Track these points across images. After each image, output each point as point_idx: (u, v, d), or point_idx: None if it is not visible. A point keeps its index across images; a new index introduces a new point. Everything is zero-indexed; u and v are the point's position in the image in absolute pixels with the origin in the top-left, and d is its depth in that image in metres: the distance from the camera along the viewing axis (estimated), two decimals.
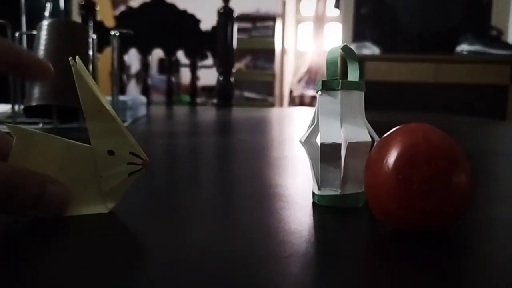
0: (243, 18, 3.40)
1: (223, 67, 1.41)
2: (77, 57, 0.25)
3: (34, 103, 0.59)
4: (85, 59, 0.64)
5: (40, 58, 0.25)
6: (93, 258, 0.20)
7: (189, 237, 0.23)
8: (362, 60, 2.57)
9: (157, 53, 1.72)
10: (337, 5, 3.26)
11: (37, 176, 0.24)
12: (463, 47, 2.59)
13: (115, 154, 0.25)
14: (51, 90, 0.60)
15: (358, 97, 0.30)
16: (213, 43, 1.41)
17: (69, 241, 0.22)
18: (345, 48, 0.30)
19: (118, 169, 0.25)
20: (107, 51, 1.18)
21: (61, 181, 0.25)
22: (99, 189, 0.26)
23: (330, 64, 0.30)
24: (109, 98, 0.76)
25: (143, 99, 1.01)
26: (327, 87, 0.29)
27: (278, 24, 3.54)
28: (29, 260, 0.19)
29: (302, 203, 0.30)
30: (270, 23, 3.54)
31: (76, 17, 1.31)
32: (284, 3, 3.62)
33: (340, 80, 0.29)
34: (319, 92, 0.30)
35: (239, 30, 2.23)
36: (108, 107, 0.25)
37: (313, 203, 0.30)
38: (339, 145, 0.28)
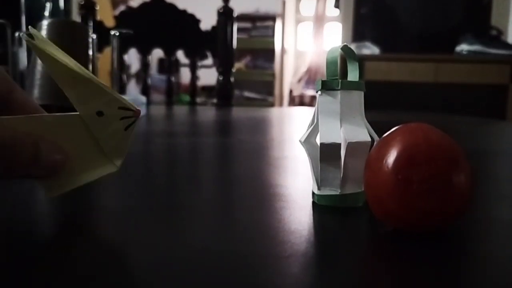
0: (243, 18, 3.40)
1: (223, 67, 1.41)
2: (29, 27, 0.24)
3: None
4: (85, 59, 0.64)
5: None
6: (92, 258, 0.20)
7: (189, 237, 0.23)
8: (362, 60, 2.57)
9: (157, 53, 1.72)
10: (337, 5, 3.26)
11: (28, 135, 0.24)
12: (463, 47, 2.59)
13: (105, 114, 0.25)
14: (51, 90, 0.60)
15: (358, 97, 0.30)
16: (213, 43, 1.41)
17: (69, 241, 0.22)
18: (345, 48, 0.30)
19: (113, 127, 0.25)
20: (107, 51, 1.18)
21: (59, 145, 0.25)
22: (102, 152, 0.25)
23: (330, 64, 0.30)
24: None
25: (143, 99, 1.01)
26: (327, 87, 0.29)
27: (278, 24, 3.54)
28: (31, 260, 0.19)
29: (302, 203, 0.30)
30: (270, 23, 3.54)
31: (76, 17, 1.31)
32: (284, 3, 3.62)
33: (340, 80, 0.29)
34: (319, 92, 0.30)
35: (239, 30, 2.23)
36: (81, 70, 0.24)
37: (313, 203, 0.30)
38: (339, 145, 0.28)
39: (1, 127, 0.23)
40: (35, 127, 0.24)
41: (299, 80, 3.75)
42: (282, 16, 3.61)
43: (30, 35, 0.24)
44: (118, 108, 0.25)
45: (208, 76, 3.10)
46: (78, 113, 0.25)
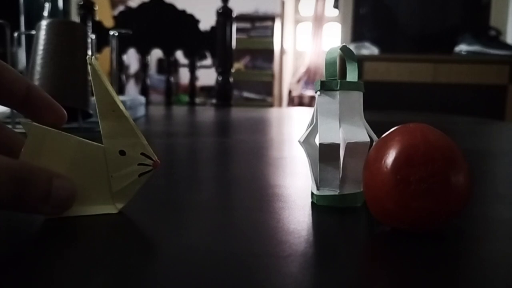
0: (242, 18, 3.40)
1: (222, 67, 1.41)
2: (92, 56, 0.25)
3: None
4: (84, 59, 0.64)
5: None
6: (92, 258, 0.20)
7: (188, 237, 0.23)
8: (361, 60, 2.57)
9: (156, 53, 1.73)
10: (336, 5, 3.26)
11: (43, 171, 0.24)
12: (462, 47, 2.60)
13: (127, 155, 0.25)
14: (50, 90, 0.60)
15: (357, 97, 0.30)
16: (212, 43, 1.41)
17: (70, 242, 0.22)
18: (344, 49, 0.31)
19: (129, 170, 0.25)
20: (106, 51, 1.18)
21: (72, 179, 0.25)
22: (109, 189, 0.26)
23: (329, 64, 0.30)
24: None
25: (142, 99, 1.01)
26: (326, 87, 0.29)
27: (277, 24, 3.54)
28: (36, 260, 0.19)
29: (301, 203, 0.30)
30: (269, 23, 3.54)
31: (75, 17, 1.31)
32: (283, 3, 3.62)
33: (339, 81, 0.29)
34: (318, 92, 0.30)
35: (238, 30, 2.23)
36: (122, 107, 0.25)
37: (312, 203, 0.30)
38: (338, 145, 0.28)
39: (21, 160, 0.24)
40: (58, 144, 0.25)
41: (298, 81, 3.75)
42: (281, 16, 3.61)
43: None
44: (141, 153, 0.25)
45: (207, 76, 3.10)
46: (102, 145, 0.25)
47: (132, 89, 3.30)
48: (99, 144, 0.25)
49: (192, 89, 1.51)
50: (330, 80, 0.30)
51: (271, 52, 3.55)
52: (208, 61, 1.50)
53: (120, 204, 0.26)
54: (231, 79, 1.43)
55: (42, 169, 0.24)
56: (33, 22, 0.69)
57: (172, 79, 1.54)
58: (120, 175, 0.25)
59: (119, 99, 0.25)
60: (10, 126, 0.25)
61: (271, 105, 3.62)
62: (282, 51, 3.70)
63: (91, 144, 0.25)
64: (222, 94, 1.43)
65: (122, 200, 0.26)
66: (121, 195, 0.26)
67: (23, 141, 0.25)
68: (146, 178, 0.26)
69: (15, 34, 0.69)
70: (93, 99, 0.26)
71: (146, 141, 0.26)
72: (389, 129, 0.25)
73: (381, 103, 2.51)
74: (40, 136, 0.24)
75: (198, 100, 1.77)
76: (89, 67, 0.24)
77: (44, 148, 0.24)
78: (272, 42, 3.52)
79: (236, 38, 1.46)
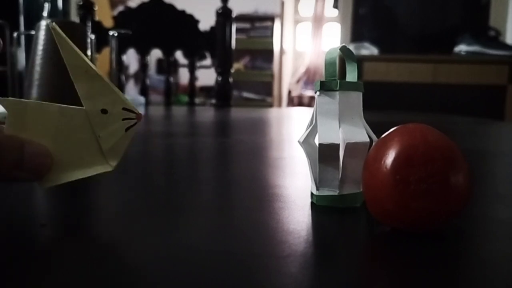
0: (241, 18, 3.40)
1: (222, 67, 1.41)
2: (53, 23, 0.25)
3: None
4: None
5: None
6: (90, 257, 0.20)
7: (187, 237, 0.23)
8: (360, 61, 2.57)
9: (156, 53, 1.73)
10: (335, 5, 3.26)
11: (13, 138, 0.24)
12: (461, 48, 2.60)
13: (109, 112, 0.25)
14: (49, 90, 0.60)
15: (356, 98, 0.30)
16: (211, 43, 1.41)
17: (67, 241, 0.22)
18: (344, 49, 0.31)
19: (115, 126, 0.25)
20: (106, 51, 1.18)
21: (59, 146, 0.25)
22: (100, 149, 0.25)
23: (329, 64, 0.30)
24: None
25: (142, 99, 1.01)
26: (325, 87, 0.29)
27: (277, 25, 3.54)
28: (29, 259, 0.19)
29: (301, 203, 0.30)
30: (268, 23, 3.55)
31: (75, 17, 1.31)
32: (282, 4, 3.62)
33: (339, 81, 0.29)
34: (318, 93, 0.30)
35: (237, 30, 2.23)
36: (93, 66, 0.25)
37: (312, 203, 0.30)
38: (337, 145, 0.28)
39: None
40: (40, 115, 0.25)
41: (298, 81, 3.75)
42: (281, 16, 3.61)
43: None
44: (122, 108, 0.25)
45: (207, 76, 3.10)
46: (83, 107, 0.25)
47: (131, 89, 3.30)
48: (80, 107, 0.25)
49: (191, 89, 1.51)
50: (330, 80, 0.30)
51: (270, 52, 3.55)
52: (208, 61, 1.50)
53: (114, 161, 0.26)
54: (230, 79, 1.43)
55: (12, 136, 0.24)
56: (32, 22, 0.69)
57: (171, 79, 1.54)
58: (107, 133, 0.25)
59: (89, 61, 0.25)
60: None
61: (270, 105, 3.62)
62: (281, 51, 3.70)
63: (72, 109, 0.25)
64: (221, 94, 1.43)
65: (115, 157, 0.26)
66: (113, 152, 0.26)
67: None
68: (133, 132, 0.26)
69: (15, 34, 0.69)
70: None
71: (124, 95, 0.25)
72: (389, 130, 0.25)
73: (381, 103, 2.51)
74: (19, 110, 0.24)
75: (197, 100, 1.77)
76: (52, 31, 0.24)
77: (26, 121, 0.24)
78: (271, 42, 3.52)
79: (236, 38, 1.46)
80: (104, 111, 0.25)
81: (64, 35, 0.24)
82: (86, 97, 0.25)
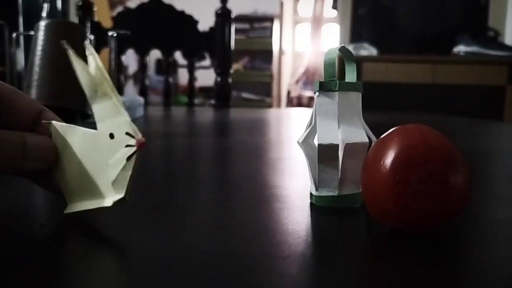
0: (241, 19, 3.40)
1: (221, 67, 1.41)
2: (65, 41, 0.24)
3: None
4: (83, 60, 0.64)
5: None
6: (89, 257, 0.20)
7: (186, 237, 0.23)
8: (359, 61, 2.57)
9: (155, 54, 1.72)
10: (334, 6, 3.26)
11: (14, 132, 0.24)
12: (460, 48, 2.60)
13: (115, 137, 0.23)
14: (49, 90, 0.60)
15: (355, 98, 0.30)
16: (210, 44, 1.41)
17: (66, 240, 0.22)
18: (343, 49, 0.31)
19: (119, 154, 0.22)
20: (105, 51, 1.18)
21: (82, 172, 0.24)
22: (108, 179, 0.23)
23: (328, 65, 0.30)
24: None
25: (141, 99, 1.01)
26: (324, 88, 0.29)
27: (276, 25, 3.54)
28: (27, 258, 0.19)
29: (300, 204, 0.30)
30: (268, 24, 3.54)
31: (74, 17, 1.31)
32: (281, 4, 3.62)
33: (338, 81, 0.29)
34: (317, 93, 0.30)
35: (236, 30, 2.23)
36: (107, 83, 0.23)
37: (311, 203, 0.30)
38: (337, 146, 0.28)
39: None
40: (71, 137, 0.24)
41: (297, 81, 3.75)
42: (280, 17, 3.62)
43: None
44: (126, 133, 0.22)
45: (206, 77, 3.09)
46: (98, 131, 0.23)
47: (131, 89, 3.30)
48: (95, 131, 0.23)
49: (191, 89, 1.51)
50: (329, 81, 0.30)
51: (270, 52, 3.55)
52: (207, 61, 1.50)
53: (117, 194, 0.23)
54: (230, 80, 1.43)
55: (14, 131, 0.24)
56: (31, 22, 0.69)
57: (171, 79, 1.54)
58: (114, 162, 0.23)
59: (103, 76, 0.23)
60: None
61: (270, 105, 3.62)
62: (281, 52, 3.70)
63: (90, 132, 0.24)
64: (221, 95, 1.43)
65: (119, 190, 0.23)
66: (117, 185, 0.23)
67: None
68: (133, 162, 0.22)
69: (14, 35, 0.69)
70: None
71: (129, 117, 0.22)
72: (388, 130, 0.25)
73: (380, 103, 2.51)
74: (60, 133, 0.24)
75: (197, 100, 1.77)
76: (67, 52, 0.23)
77: (67, 142, 0.24)
78: (271, 43, 3.52)
79: (235, 39, 1.46)
80: (111, 136, 0.23)
81: (76, 55, 0.23)
82: (99, 119, 0.23)
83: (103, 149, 0.23)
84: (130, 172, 0.22)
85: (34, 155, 0.24)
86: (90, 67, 0.23)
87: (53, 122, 0.25)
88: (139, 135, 0.22)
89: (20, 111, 0.26)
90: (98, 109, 0.23)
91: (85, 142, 0.24)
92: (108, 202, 0.23)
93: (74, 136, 0.24)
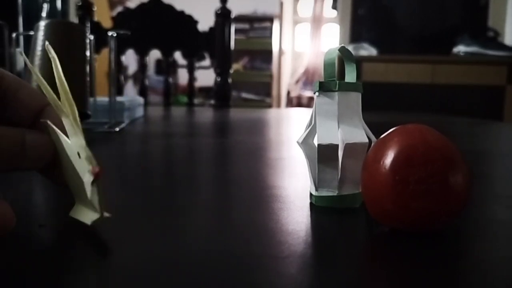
0: (240, 19, 3.40)
1: (221, 68, 1.41)
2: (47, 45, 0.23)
3: None
4: (82, 60, 0.64)
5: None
6: (88, 258, 0.20)
7: (186, 238, 0.23)
8: (359, 61, 2.58)
9: (155, 54, 1.72)
10: (334, 6, 3.26)
11: (13, 129, 0.24)
12: (460, 48, 2.60)
13: (81, 158, 0.22)
14: None
15: (355, 98, 0.30)
16: (210, 44, 1.41)
17: (65, 241, 0.22)
18: (343, 49, 0.31)
19: (86, 177, 0.21)
20: (104, 51, 1.18)
21: (73, 179, 0.24)
22: (86, 195, 0.22)
23: (328, 65, 0.30)
24: (106, 99, 0.76)
25: (141, 100, 1.01)
26: (324, 88, 0.29)
27: (276, 25, 3.54)
28: (26, 258, 0.19)
29: (300, 204, 0.30)
30: (267, 24, 3.55)
31: (73, 17, 1.31)
32: (281, 4, 3.63)
33: (338, 81, 0.29)
34: (317, 93, 0.30)
35: (236, 31, 2.23)
36: (65, 100, 0.22)
37: (311, 203, 0.30)
38: (336, 146, 0.28)
39: None
40: (60, 145, 0.24)
41: (297, 81, 3.75)
42: (280, 17, 3.62)
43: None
44: (85, 157, 0.21)
45: (206, 77, 3.09)
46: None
47: (130, 90, 3.30)
48: (71, 145, 0.23)
49: (190, 90, 1.51)
50: (329, 81, 0.30)
51: (269, 53, 3.56)
52: (207, 62, 1.50)
53: (94, 214, 0.22)
54: (229, 80, 1.43)
55: (14, 128, 0.24)
56: (31, 22, 0.69)
57: (170, 80, 1.54)
58: (86, 181, 0.22)
59: (62, 89, 0.22)
60: None
61: (269, 106, 3.62)
62: (280, 52, 3.70)
63: (69, 145, 0.23)
64: (220, 95, 1.43)
65: (94, 209, 0.22)
66: (92, 203, 0.22)
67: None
68: (97, 187, 0.21)
69: (13, 35, 0.69)
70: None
71: (84, 141, 0.21)
72: (388, 130, 0.25)
73: (380, 104, 2.52)
74: (55, 135, 0.24)
75: (196, 101, 1.76)
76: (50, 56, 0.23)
77: (59, 147, 0.24)
78: (270, 43, 3.52)
79: (235, 39, 1.46)
80: (79, 155, 0.22)
81: (38, 74, 0.23)
82: (68, 133, 0.23)
83: (77, 165, 0.22)
84: (97, 197, 0.22)
85: (33, 153, 0.24)
86: (55, 75, 0.23)
87: (48, 122, 0.24)
88: (94, 163, 0.21)
89: (23, 104, 0.25)
90: (65, 123, 0.23)
91: (69, 154, 0.23)
92: (87, 220, 0.23)
93: (61, 143, 0.24)
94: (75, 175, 0.23)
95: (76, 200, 0.25)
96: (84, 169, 0.22)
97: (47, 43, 0.24)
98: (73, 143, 0.22)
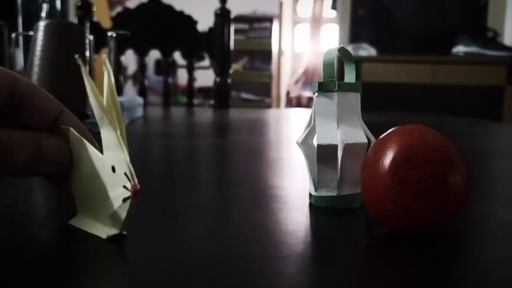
0: (240, 19, 3.40)
1: (220, 68, 1.41)
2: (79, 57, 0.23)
3: None
4: (82, 60, 0.64)
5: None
6: (88, 258, 0.20)
7: (186, 238, 0.23)
8: (358, 62, 2.58)
9: (154, 54, 1.72)
10: (334, 6, 3.26)
11: (30, 133, 0.24)
12: (460, 49, 2.60)
13: (116, 172, 0.22)
14: (48, 90, 0.60)
15: (354, 99, 0.30)
16: (210, 44, 1.41)
17: (65, 241, 0.22)
18: (342, 50, 0.31)
19: (118, 191, 0.21)
20: (104, 52, 1.18)
21: (88, 190, 0.23)
22: (108, 210, 0.22)
23: (327, 65, 0.30)
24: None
25: (140, 100, 1.01)
26: (324, 88, 0.29)
27: (275, 25, 3.54)
28: (26, 258, 0.19)
29: (299, 204, 0.30)
30: (267, 24, 3.54)
31: (73, 18, 1.31)
32: (281, 4, 3.62)
33: (337, 82, 0.29)
34: (316, 94, 0.30)
35: (236, 31, 2.23)
36: (116, 113, 0.22)
37: (310, 204, 0.30)
38: (336, 146, 0.28)
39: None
40: (83, 153, 0.23)
41: (296, 82, 3.75)
42: (279, 17, 3.61)
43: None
44: (124, 173, 0.21)
45: (205, 77, 3.09)
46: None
47: (130, 90, 3.29)
48: (101, 156, 0.23)
49: (190, 90, 1.50)
50: (328, 81, 0.30)
51: (269, 53, 3.55)
52: (206, 62, 1.50)
53: (113, 230, 0.22)
54: (229, 80, 1.43)
55: (30, 132, 0.23)
56: (31, 23, 0.69)
57: (170, 80, 1.54)
58: (113, 197, 0.22)
59: (114, 104, 0.22)
60: None
61: (269, 106, 3.62)
62: (280, 52, 3.70)
63: (98, 155, 0.23)
64: (220, 95, 1.43)
65: (115, 225, 0.22)
66: (115, 219, 0.22)
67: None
68: (128, 205, 0.21)
69: (13, 35, 0.69)
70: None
71: (128, 157, 0.21)
72: (387, 130, 0.25)
73: (379, 104, 2.52)
74: (75, 143, 0.24)
75: (196, 101, 1.76)
76: (82, 70, 0.22)
77: (80, 155, 0.24)
78: (270, 43, 3.52)
79: (234, 39, 1.46)
80: (113, 169, 0.22)
81: (87, 74, 0.22)
82: (104, 145, 0.22)
83: (106, 178, 0.22)
84: (125, 214, 0.21)
85: (49, 159, 0.23)
86: (104, 89, 0.22)
87: (71, 130, 0.24)
88: (135, 180, 0.21)
89: (40, 110, 0.25)
90: (104, 135, 0.22)
91: (93, 163, 0.23)
92: (103, 234, 0.22)
93: (86, 151, 0.23)
94: (96, 185, 0.22)
95: (80, 210, 0.24)
96: (117, 183, 0.21)
97: (104, 56, 0.23)
98: (110, 155, 0.22)
